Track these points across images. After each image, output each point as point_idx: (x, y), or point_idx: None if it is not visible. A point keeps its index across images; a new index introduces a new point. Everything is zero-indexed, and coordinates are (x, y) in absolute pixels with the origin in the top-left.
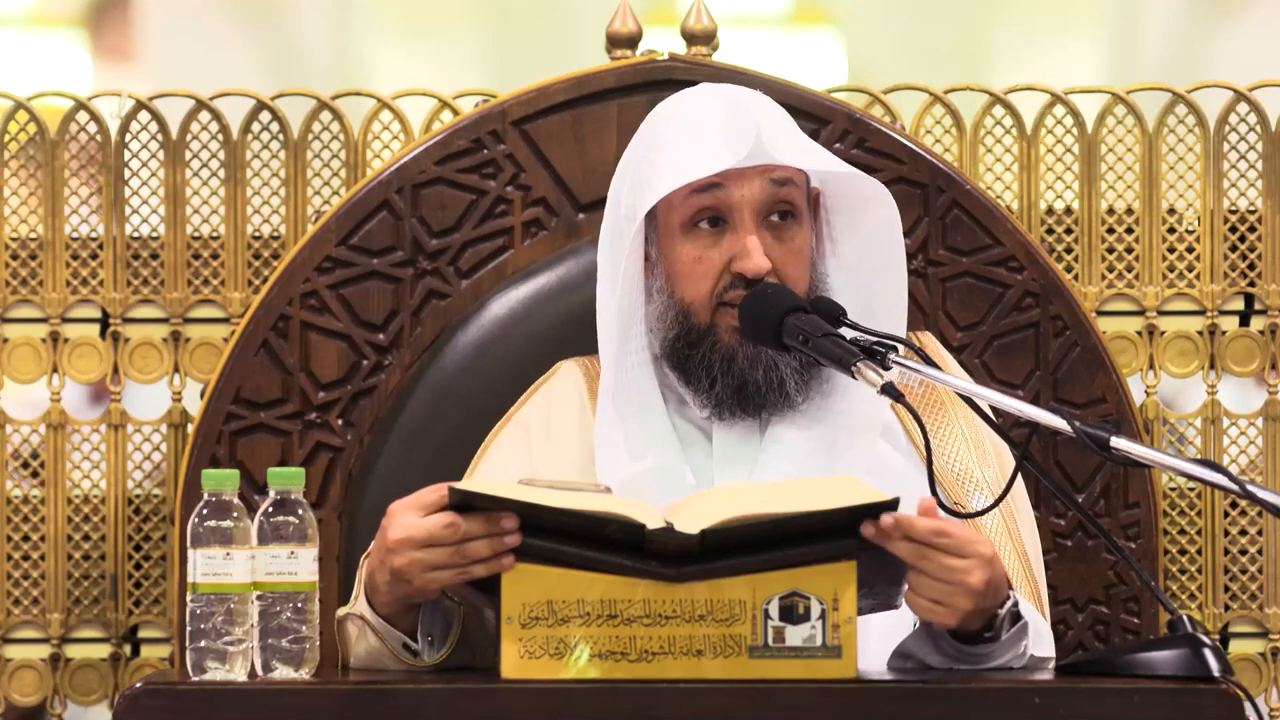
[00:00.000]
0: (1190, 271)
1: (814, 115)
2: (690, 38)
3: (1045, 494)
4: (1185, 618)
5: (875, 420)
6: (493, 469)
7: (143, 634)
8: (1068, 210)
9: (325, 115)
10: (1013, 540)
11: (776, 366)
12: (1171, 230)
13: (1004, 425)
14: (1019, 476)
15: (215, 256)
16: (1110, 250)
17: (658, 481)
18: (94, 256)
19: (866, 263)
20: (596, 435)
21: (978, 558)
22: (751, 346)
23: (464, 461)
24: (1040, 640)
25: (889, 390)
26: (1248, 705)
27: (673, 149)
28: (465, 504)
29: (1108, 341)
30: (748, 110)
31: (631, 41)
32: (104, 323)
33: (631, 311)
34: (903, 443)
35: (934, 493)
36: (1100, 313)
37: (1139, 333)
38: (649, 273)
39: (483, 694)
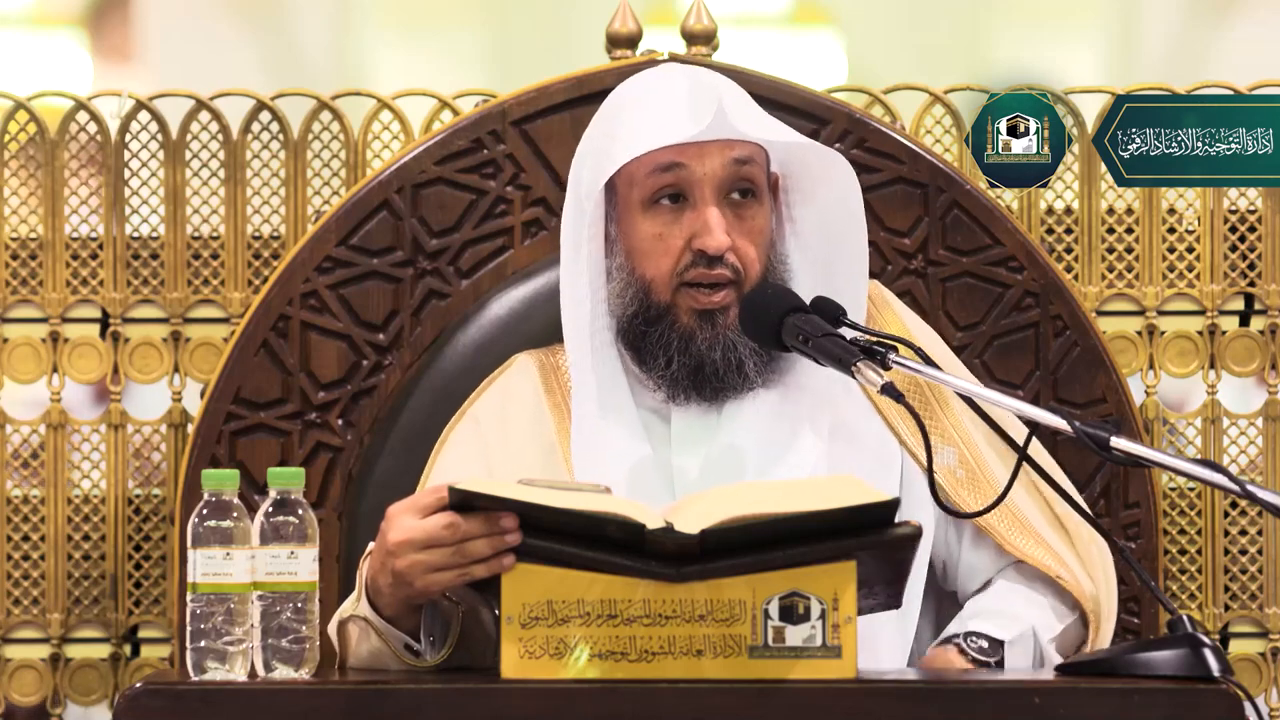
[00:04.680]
0: (1190, 271)
1: (814, 115)
2: (690, 38)
3: None
4: (1185, 618)
5: (833, 391)
6: (451, 464)
7: (143, 634)
8: (1068, 210)
9: (325, 115)
10: (1019, 519)
11: (735, 348)
12: (1171, 230)
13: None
14: (1022, 468)
15: (215, 256)
16: (1110, 250)
17: (626, 467)
18: (94, 256)
19: (825, 230)
20: (575, 425)
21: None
22: (711, 329)
23: None
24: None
25: (889, 390)
26: (1248, 705)
27: (636, 122)
28: (465, 504)
29: (1108, 341)
30: (709, 85)
31: (631, 41)
32: (104, 323)
33: (595, 292)
34: (868, 409)
35: (934, 495)
36: (1100, 313)
37: (1139, 333)
38: (608, 252)
39: (483, 694)
